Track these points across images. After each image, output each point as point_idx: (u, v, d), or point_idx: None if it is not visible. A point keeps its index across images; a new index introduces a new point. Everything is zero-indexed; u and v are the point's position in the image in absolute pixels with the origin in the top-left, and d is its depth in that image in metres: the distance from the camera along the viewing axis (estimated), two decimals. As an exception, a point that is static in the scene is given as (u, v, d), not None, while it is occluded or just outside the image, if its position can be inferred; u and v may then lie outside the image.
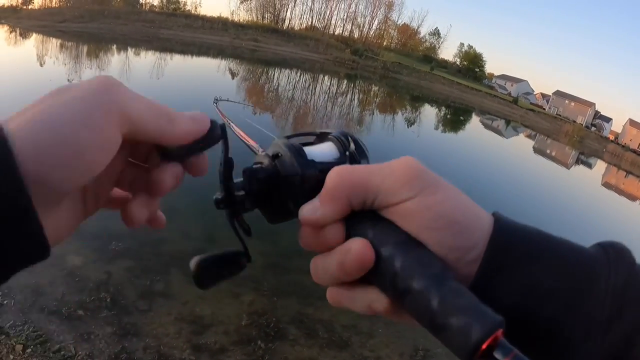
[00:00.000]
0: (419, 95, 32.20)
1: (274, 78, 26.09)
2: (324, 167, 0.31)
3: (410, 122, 18.39)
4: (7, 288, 2.77)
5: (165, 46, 33.46)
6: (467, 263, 0.27)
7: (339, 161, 0.33)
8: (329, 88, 26.06)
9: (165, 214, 0.34)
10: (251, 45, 43.01)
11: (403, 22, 57.47)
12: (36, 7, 49.28)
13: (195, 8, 55.24)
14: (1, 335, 2.48)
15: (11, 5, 50.04)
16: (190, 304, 3.08)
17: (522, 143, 25.40)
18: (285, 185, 0.32)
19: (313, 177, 0.31)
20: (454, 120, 24.85)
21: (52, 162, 0.22)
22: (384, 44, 54.25)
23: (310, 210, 0.29)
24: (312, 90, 23.00)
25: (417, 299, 0.26)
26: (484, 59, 60.74)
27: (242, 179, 0.31)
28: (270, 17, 53.65)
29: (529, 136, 29.94)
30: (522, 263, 0.27)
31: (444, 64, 57.63)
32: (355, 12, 53.03)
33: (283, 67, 33.08)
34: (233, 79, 21.29)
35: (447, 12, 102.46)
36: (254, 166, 0.33)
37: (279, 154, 0.32)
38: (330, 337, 3.08)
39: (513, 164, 15.54)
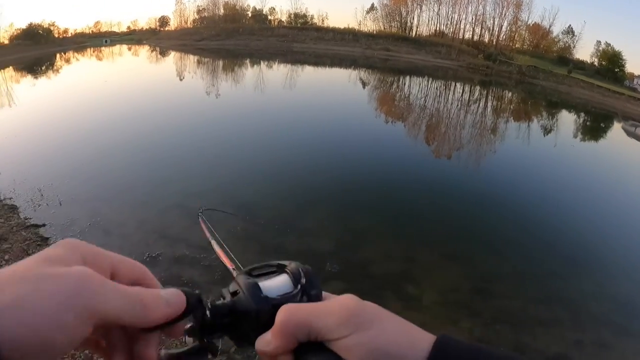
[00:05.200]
0: (557, 101, 31.00)
1: (405, 86, 27.68)
2: (277, 302, 0.37)
3: (546, 130, 18.71)
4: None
5: (299, 59, 36.93)
6: None
7: (292, 294, 0.38)
8: (462, 95, 27.30)
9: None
10: (383, 54, 45.38)
11: (533, 22, 53.83)
12: (172, 29, 57.22)
13: (322, 21, 59.24)
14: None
15: (149, 27, 60.75)
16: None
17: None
18: (243, 318, 0.37)
19: (266, 312, 0.36)
20: (594, 127, 24.07)
21: (24, 352, 0.26)
22: (516, 46, 52.05)
23: (263, 343, 0.35)
24: (444, 99, 24.24)
25: None
26: (623, 57, 54.91)
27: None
28: (397, 25, 55.12)
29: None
30: None
31: (581, 65, 52.87)
32: (483, 14, 51.78)
33: (417, 75, 34.49)
34: (364, 88, 23.20)
35: (579, 7, 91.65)
36: (217, 302, 0.38)
37: (237, 291, 0.38)
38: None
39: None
